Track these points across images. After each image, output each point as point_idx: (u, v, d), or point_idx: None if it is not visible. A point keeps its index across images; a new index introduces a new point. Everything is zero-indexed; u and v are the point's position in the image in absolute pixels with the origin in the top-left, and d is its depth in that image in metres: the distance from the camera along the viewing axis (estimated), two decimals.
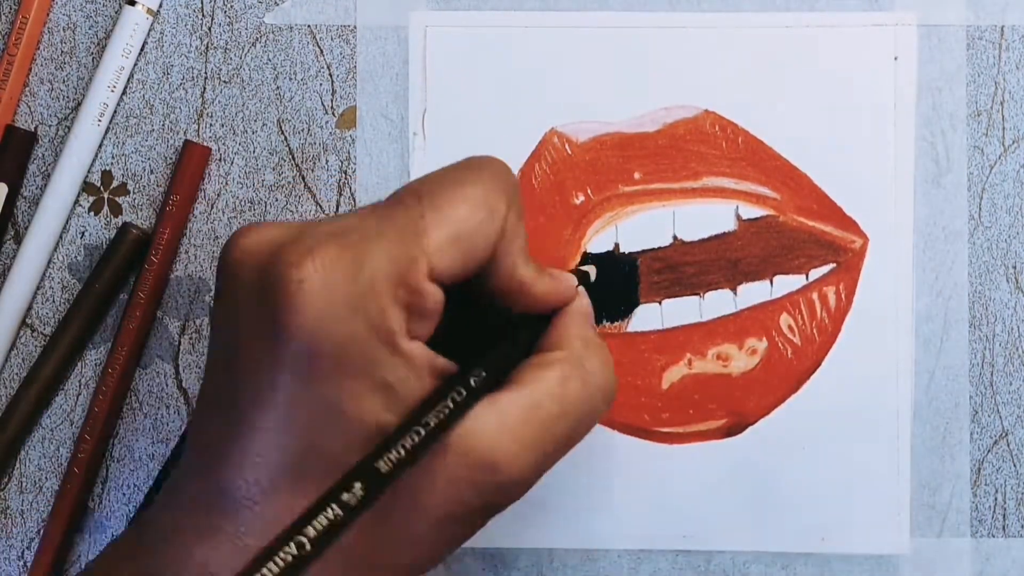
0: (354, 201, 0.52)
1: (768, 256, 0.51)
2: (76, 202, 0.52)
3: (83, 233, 0.52)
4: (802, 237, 0.51)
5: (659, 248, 0.51)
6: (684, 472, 0.51)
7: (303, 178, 0.52)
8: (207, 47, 0.52)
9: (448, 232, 0.39)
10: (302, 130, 0.52)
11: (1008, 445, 0.51)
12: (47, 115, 0.52)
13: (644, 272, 0.51)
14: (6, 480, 0.52)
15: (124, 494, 0.52)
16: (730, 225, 0.51)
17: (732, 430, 0.51)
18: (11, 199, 0.51)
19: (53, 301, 0.52)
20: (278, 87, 0.52)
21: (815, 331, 0.51)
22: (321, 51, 0.52)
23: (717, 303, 0.51)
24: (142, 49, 0.52)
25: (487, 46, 0.51)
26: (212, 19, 0.52)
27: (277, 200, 0.52)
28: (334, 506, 0.35)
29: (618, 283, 0.51)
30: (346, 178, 0.52)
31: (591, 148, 0.51)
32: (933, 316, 0.51)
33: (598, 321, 0.51)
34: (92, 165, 0.52)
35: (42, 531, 0.51)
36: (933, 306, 0.51)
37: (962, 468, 0.51)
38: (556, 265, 0.50)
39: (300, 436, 0.38)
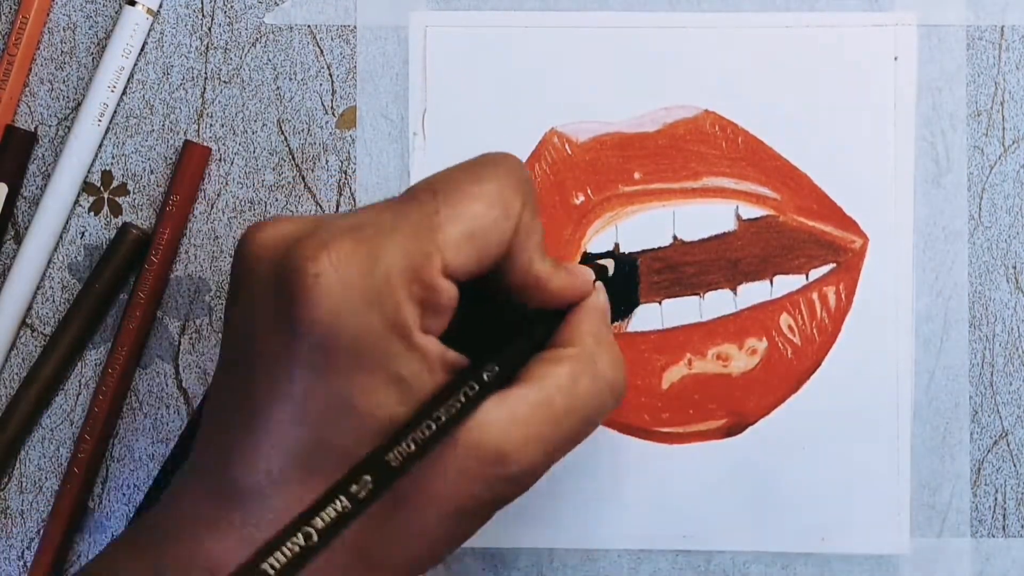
0: (354, 201, 0.52)
1: (768, 256, 0.51)
2: (76, 202, 0.52)
3: (83, 233, 0.52)
4: (802, 237, 0.51)
5: (659, 248, 0.51)
6: (684, 472, 0.51)
7: (303, 178, 0.52)
8: (207, 47, 0.52)
9: (462, 229, 0.39)
10: (302, 130, 0.52)
11: (1008, 445, 0.51)
12: (47, 115, 0.52)
13: (644, 272, 0.51)
14: (6, 480, 0.52)
15: (124, 494, 0.52)
16: (730, 225, 0.51)
17: (732, 430, 0.51)
18: (11, 199, 0.51)
19: (53, 301, 0.52)
20: (278, 87, 0.52)
21: (815, 331, 0.51)
22: (321, 51, 0.52)
23: (717, 303, 0.51)
24: (142, 49, 0.52)
25: (487, 46, 0.51)
26: (212, 19, 0.52)
27: (277, 200, 0.52)
28: (342, 498, 0.35)
29: (618, 283, 0.51)
30: (346, 178, 0.52)
31: (591, 148, 0.51)
32: (933, 316, 0.51)
33: None
34: (92, 165, 0.52)
35: (42, 531, 0.51)
36: (933, 306, 0.51)
37: (962, 468, 0.51)
38: None
39: (313, 429, 0.38)
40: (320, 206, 0.51)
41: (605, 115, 0.51)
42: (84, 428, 0.51)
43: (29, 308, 0.52)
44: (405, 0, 0.51)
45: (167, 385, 0.52)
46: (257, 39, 0.52)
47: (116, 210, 0.52)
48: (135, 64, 0.52)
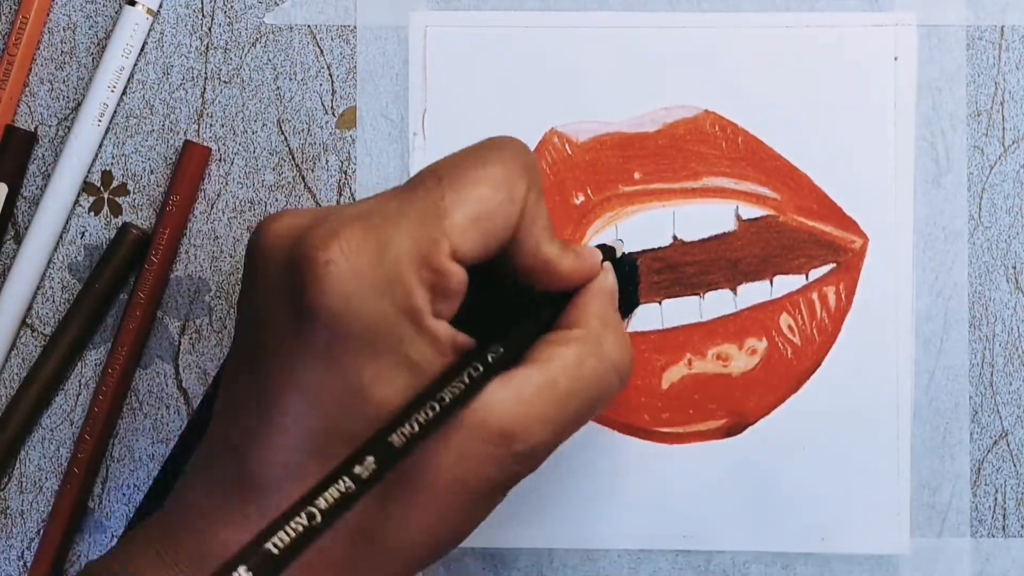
0: (354, 201, 0.52)
1: (768, 256, 0.51)
2: (76, 202, 0.52)
3: (83, 233, 0.52)
4: (802, 237, 0.51)
5: (659, 248, 0.51)
6: (684, 472, 0.51)
7: (303, 178, 0.52)
8: (207, 47, 0.52)
9: (468, 213, 0.39)
10: (302, 130, 0.52)
11: (1008, 445, 0.51)
12: (47, 115, 0.52)
13: (644, 272, 0.51)
14: (6, 480, 0.52)
15: (124, 494, 0.52)
16: (730, 225, 0.51)
17: (732, 430, 0.51)
18: (11, 199, 0.51)
19: (53, 301, 0.52)
20: (278, 87, 0.52)
21: (815, 331, 0.51)
22: (321, 51, 0.52)
23: (717, 303, 0.51)
24: (142, 49, 0.52)
25: (487, 46, 0.51)
26: (212, 19, 0.52)
27: (277, 200, 0.52)
28: (345, 479, 0.35)
29: (618, 283, 0.51)
30: (346, 178, 0.52)
31: (591, 148, 0.51)
32: (933, 316, 0.51)
33: None
34: (92, 165, 0.52)
35: (42, 531, 0.51)
36: (933, 306, 0.51)
37: (962, 468, 0.51)
38: None
39: (327, 418, 0.38)
40: (320, 206, 0.51)
41: (605, 115, 0.51)
42: (84, 428, 0.51)
43: (29, 308, 0.52)
44: (405, 0, 0.51)
45: (167, 385, 0.52)
46: (257, 39, 0.52)
47: (116, 210, 0.52)
48: (135, 64, 0.52)
